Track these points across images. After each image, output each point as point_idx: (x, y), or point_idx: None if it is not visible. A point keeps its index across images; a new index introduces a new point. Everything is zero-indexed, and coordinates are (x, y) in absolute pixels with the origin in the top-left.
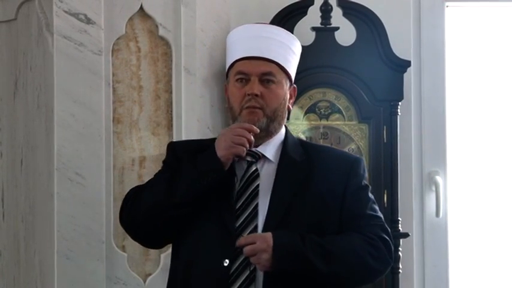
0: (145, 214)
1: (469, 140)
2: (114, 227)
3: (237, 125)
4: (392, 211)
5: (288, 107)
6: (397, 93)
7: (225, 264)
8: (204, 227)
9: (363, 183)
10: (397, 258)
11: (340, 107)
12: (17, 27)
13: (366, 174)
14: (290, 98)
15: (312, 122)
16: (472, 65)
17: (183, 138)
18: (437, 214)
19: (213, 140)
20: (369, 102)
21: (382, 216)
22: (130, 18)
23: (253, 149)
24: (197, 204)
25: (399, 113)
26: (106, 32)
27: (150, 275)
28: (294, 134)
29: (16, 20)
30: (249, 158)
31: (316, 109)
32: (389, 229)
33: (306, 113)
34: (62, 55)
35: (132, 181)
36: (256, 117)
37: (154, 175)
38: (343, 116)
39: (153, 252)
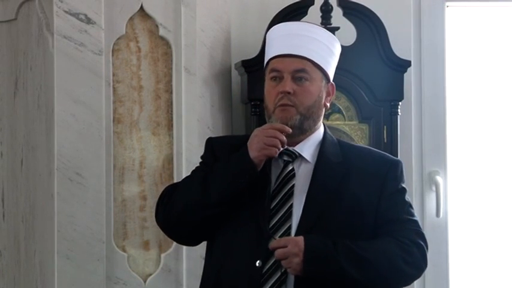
0: (180, 214)
1: (469, 140)
2: (114, 227)
3: (269, 126)
4: None
5: (325, 104)
6: (397, 93)
7: (257, 265)
8: (237, 226)
9: (399, 187)
10: None
11: (341, 107)
12: (17, 27)
13: (404, 177)
14: (328, 96)
15: None
16: (472, 65)
17: (183, 138)
18: (437, 214)
19: (249, 136)
20: (369, 102)
21: (418, 219)
22: (131, 18)
23: (290, 148)
24: (231, 204)
25: (399, 113)
26: (106, 32)
27: (150, 275)
28: None
29: (16, 20)
30: (285, 158)
31: None
32: (424, 233)
33: None
34: (62, 55)
35: (132, 181)
36: (289, 115)
37: (192, 172)
38: (344, 116)
39: (153, 252)
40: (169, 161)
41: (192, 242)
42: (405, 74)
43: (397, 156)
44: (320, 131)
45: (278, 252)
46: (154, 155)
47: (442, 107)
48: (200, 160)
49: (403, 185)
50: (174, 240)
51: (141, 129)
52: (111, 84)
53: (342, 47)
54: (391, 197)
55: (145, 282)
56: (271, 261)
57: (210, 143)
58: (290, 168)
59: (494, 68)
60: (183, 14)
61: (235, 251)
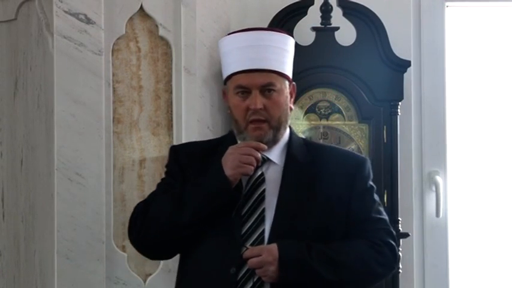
0: (155, 236)
1: (469, 140)
2: (114, 227)
3: (244, 144)
4: (392, 211)
5: (291, 107)
6: (397, 93)
7: (231, 272)
8: (211, 234)
9: (368, 185)
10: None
11: (340, 107)
12: (17, 27)
13: (372, 175)
14: (291, 97)
15: (312, 122)
16: (472, 65)
17: (183, 138)
18: (437, 214)
19: (214, 141)
20: (369, 102)
21: (387, 217)
22: (131, 18)
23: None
24: (208, 222)
25: (399, 113)
26: (106, 32)
27: (150, 275)
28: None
29: (16, 20)
30: None
31: (316, 109)
32: (394, 232)
33: (306, 113)
34: (62, 55)
35: (132, 181)
36: (263, 132)
37: (157, 184)
38: (343, 116)
39: None
40: None
41: (166, 257)
42: (405, 74)
43: (396, 157)
44: (286, 133)
45: (252, 262)
46: (154, 155)
47: (442, 107)
48: (165, 169)
49: (371, 183)
50: (148, 258)
51: (141, 129)
52: (111, 84)
53: (342, 47)
54: (361, 197)
55: (145, 282)
56: (245, 268)
57: (174, 152)
58: (259, 173)
59: (494, 68)
60: (183, 14)
61: (209, 259)
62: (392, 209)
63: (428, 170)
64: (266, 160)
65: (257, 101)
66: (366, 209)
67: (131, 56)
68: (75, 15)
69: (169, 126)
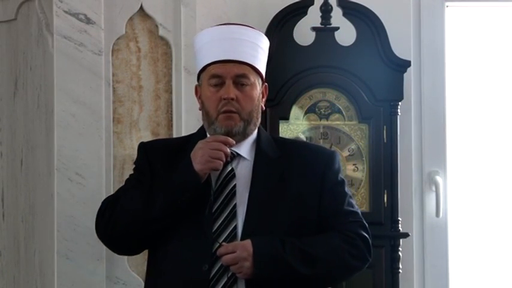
0: (123, 230)
1: (469, 140)
2: None
3: (213, 138)
4: (392, 211)
5: (262, 107)
6: (397, 93)
7: (204, 269)
8: (181, 231)
9: (339, 179)
10: (397, 258)
11: (340, 107)
12: (17, 27)
13: (341, 168)
14: (263, 97)
15: (312, 122)
16: (472, 65)
17: None
18: (437, 214)
19: (183, 138)
20: (368, 102)
21: (359, 211)
22: (131, 18)
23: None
24: (176, 217)
25: (399, 113)
26: (106, 32)
27: None
28: (294, 134)
29: (16, 20)
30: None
31: (316, 109)
32: (366, 224)
33: (306, 113)
34: (62, 55)
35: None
36: (234, 122)
37: (126, 180)
38: (343, 116)
39: None
40: None
41: (133, 253)
42: (405, 74)
43: (396, 157)
44: (255, 129)
45: (226, 258)
46: None
47: (442, 107)
48: (133, 166)
49: (342, 177)
50: (115, 253)
51: (141, 129)
52: (111, 84)
53: (342, 47)
54: (332, 190)
55: None
56: (218, 265)
57: (143, 149)
58: (229, 168)
59: (494, 68)
60: (183, 14)
61: (181, 257)
62: (393, 209)
63: (428, 170)
64: (236, 156)
65: (230, 90)
66: (337, 202)
67: (131, 56)
68: (75, 15)
69: (169, 126)
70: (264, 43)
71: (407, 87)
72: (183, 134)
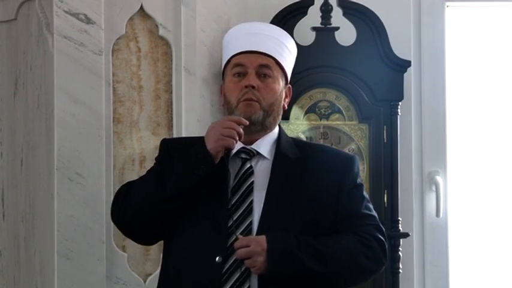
0: (136, 209)
1: (469, 140)
2: (114, 227)
3: (226, 118)
4: (392, 211)
5: (284, 106)
6: (397, 93)
7: (217, 261)
8: (197, 224)
9: (357, 182)
10: (397, 258)
11: (341, 107)
12: (17, 27)
13: (360, 173)
14: (285, 97)
15: (312, 122)
16: (472, 65)
17: None
18: (437, 214)
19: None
20: (369, 102)
21: (376, 214)
22: (131, 18)
23: (248, 147)
24: (188, 197)
25: (399, 113)
26: (106, 32)
27: (150, 275)
28: (294, 134)
29: (16, 20)
30: (243, 155)
31: (317, 109)
32: (383, 228)
33: (306, 113)
34: (62, 55)
35: None
36: (253, 110)
37: (147, 171)
38: (343, 116)
39: (153, 252)
40: None
41: (148, 240)
42: (405, 74)
43: (397, 157)
44: (276, 129)
45: (241, 252)
46: (154, 155)
47: (442, 107)
48: (155, 162)
49: (360, 181)
50: (130, 238)
51: (141, 129)
52: (111, 84)
53: (342, 47)
54: (350, 193)
55: (145, 282)
56: (233, 258)
57: (166, 144)
58: (248, 165)
59: (494, 68)
60: (183, 14)
61: (195, 249)
62: (393, 209)
63: (428, 170)
64: (256, 154)
65: (251, 78)
66: (355, 205)
67: (131, 56)
68: (75, 15)
69: (169, 126)
70: (292, 46)
71: (407, 87)
72: (183, 134)
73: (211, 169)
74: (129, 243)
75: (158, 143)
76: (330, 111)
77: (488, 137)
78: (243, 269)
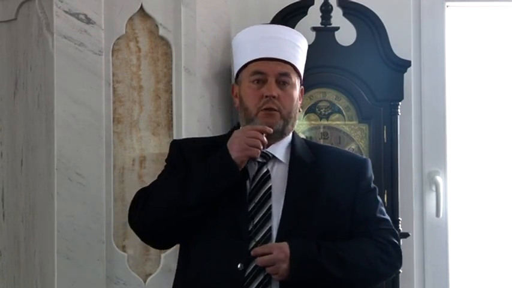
0: (158, 216)
1: (469, 140)
2: (114, 227)
3: (250, 127)
4: (392, 211)
5: (299, 108)
6: (397, 93)
7: (239, 268)
8: (215, 230)
9: (371, 186)
10: None
11: (341, 107)
12: (17, 27)
13: (373, 176)
14: (299, 99)
15: (312, 122)
16: (473, 65)
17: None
18: (437, 214)
19: (217, 138)
20: (369, 102)
21: (389, 218)
22: (131, 18)
23: (264, 150)
24: (211, 206)
25: (399, 113)
26: (106, 32)
27: (150, 275)
28: None
29: (16, 20)
30: (259, 159)
31: (317, 109)
32: (397, 232)
33: (306, 113)
34: (62, 55)
35: (132, 181)
36: (275, 120)
37: (159, 176)
38: (343, 116)
39: (153, 252)
40: None
41: (166, 245)
42: (405, 74)
43: (397, 157)
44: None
45: (263, 259)
46: (154, 155)
47: (442, 107)
48: (165, 164)
49: (373, 184)
50: (148, 243)
51: (141, 129)
52: (111, 84)
53: (342, 47)
54: (364, 197)
55: (145, 282)
56: (253, 264)
57: (177, 145)
58: (265, 170)
59: (494, 68)
60: (183, 14)
61: (215, 255)
62: (393, 209)
63: (428, 170)
64: (271, 158)
65: (272, 87)
66: (369, 209)
67: (131, 56)
68: (75, 15)
69: (170, 126)
70: (304, 44)
71: (407, 87)
72: (183, 134)
73: (237, 179)
74: (129, 243)
75: (158, 143)
76: (330, 111)
77: (488, 137)
78: (264, 275)
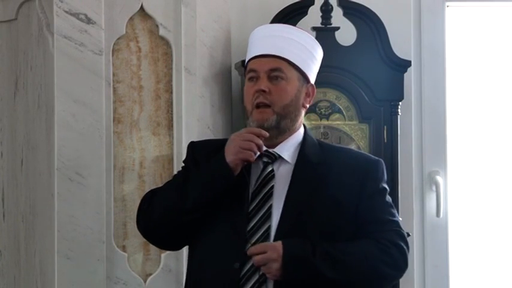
0: (158, 220)
1: (469, 140)
2: (114, 227)
3: (246, 130)
4: None
5: (304, 105)
6: (398, 93)
7: (236, 267)
8: (216, 228)
9: (380, 187)
10: None
11: (341, 107)
12: (17, 27)
13: (385, 177)
14: (307, 96)
15: (313, 122)
16: (473, 65)
17: (183, 138)
18: (437, 214)
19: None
20: (369, 102)
21: (399, 220)
22: (131, 18)
23: (270, 150)
24: (209, 208)
25: (399, 113)
26: (106, 32)
27: (150, 275)
28: None
29: (16, 20)
30: (265, 159)
31: (317, 109)
32: (405, 234)
33: (306, 113)
34: (62, 55)
35: (132, 181)
36: (266, 116)
37: (173, 176)
38: (344, 116)
39: (153, 252)
40: (169, 161)
41: (173, 246)
42: (405, 74)
43: (397, 157)
44: (300, 132)
45: (257, 258)
46: (154, 155)
47: (442, 107)
48: (183, 165)
49: (384, 185)
50: (156, 246)
51: (141, 129)
52: (111, 84)
53: (342, 47)
54: (371, 198)
55: (145, 282)
56: (250, 264)
57: (191, 147)
58: (269, 169)
59: (494, 68)
60: (183, 14)
61: (214, 254)
62: None
63: (429, 170)
64: (278, 158)
65: (262, 83)
66: (375, 211)
67: (131, 56)
68: (76, 15)
69: (170, 126)
70: (318, 51)
71: (407, 87)
72: (183, 134)
73: (231, 182)
74: (129, 243)
75: (158, 143)
76: (330, 111)
77: (489, 137)
78: (259, 274)
